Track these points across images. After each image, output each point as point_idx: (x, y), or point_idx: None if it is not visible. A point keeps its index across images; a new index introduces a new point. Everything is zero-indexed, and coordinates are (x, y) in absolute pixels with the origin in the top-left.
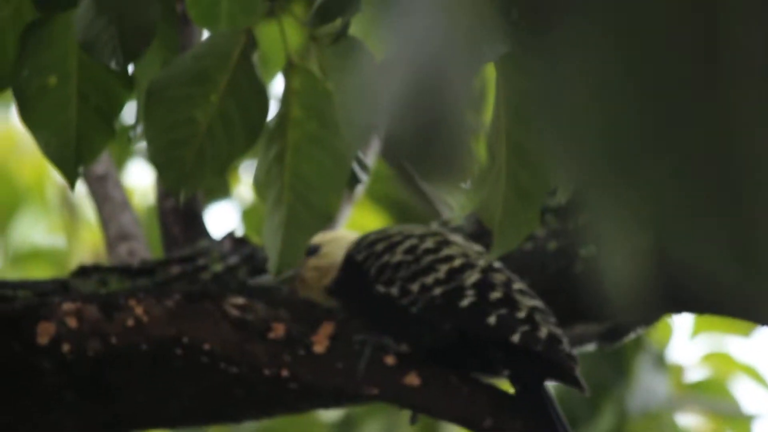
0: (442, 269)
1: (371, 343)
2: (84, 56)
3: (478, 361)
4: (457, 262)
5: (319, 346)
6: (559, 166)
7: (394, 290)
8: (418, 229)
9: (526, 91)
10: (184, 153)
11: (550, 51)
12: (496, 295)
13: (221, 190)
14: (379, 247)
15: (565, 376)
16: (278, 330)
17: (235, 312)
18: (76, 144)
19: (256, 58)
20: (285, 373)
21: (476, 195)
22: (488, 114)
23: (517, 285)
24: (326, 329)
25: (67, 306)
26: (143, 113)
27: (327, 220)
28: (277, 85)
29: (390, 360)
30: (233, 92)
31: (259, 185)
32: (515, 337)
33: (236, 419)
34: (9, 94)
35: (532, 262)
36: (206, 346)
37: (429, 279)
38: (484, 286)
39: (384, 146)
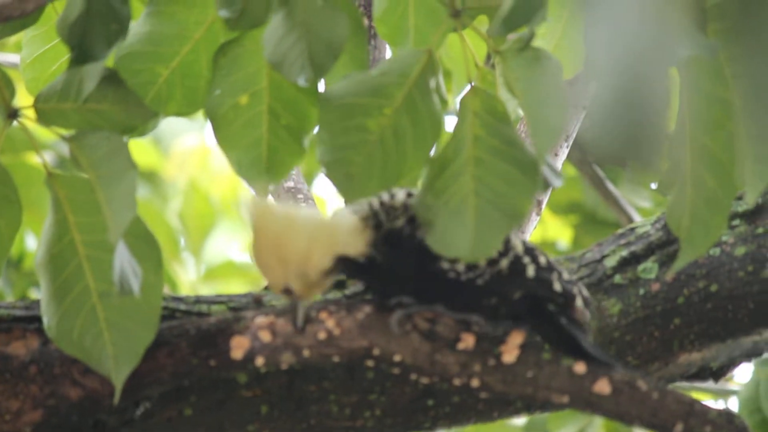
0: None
1: (418, 309)
2: (274, 75)
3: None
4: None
5: (509, 355)
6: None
7: (460, 266)
8: None
9: (714, 94)
10: (352, 156)
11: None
12: (542, 260)
13: None
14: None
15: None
16: (468, 340)
17: (424, 324)
18: (267, 161)
19: (435, 81)
20: (475, 382)
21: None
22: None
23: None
24: (515, 338)
25: (261, 320)
26: (319, 117)
27: (519, 219)
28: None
29: (580, 368)
30: (408, 109)
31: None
32: (578, 302)
33: (428, 428)
34: (203, 112)
35: (720, 268)
36: (397, 358)
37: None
38: (531, 253)
39: (585, 148)
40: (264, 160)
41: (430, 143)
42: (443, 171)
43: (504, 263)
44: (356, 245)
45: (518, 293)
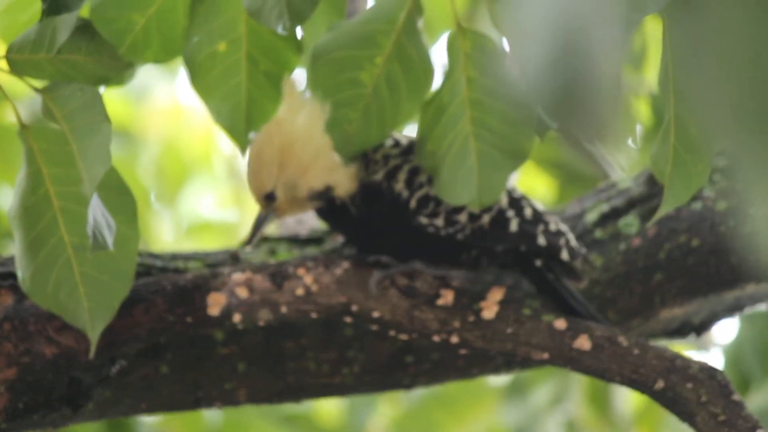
0: None
1: (398, 270)
2: (253, 22)
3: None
4: None
5: (488, 311)
6: (713, 121)
7: (439, 221)
8: None
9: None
10: (350, 113)
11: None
12: (528, 212)
13: None
14: (403, 176)
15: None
16: (447, 296)
17: (403, 280)
18: (247, 109)
19: (421, 23)
20: (455, 339)
21: (645, 154)
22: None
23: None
24: (495, 295)
25: (237, 276)
26: (309, 75)
27: (522, 158)
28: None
29: (560, 324)
30: (399, 56)
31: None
32: (564, 255)
33: (407, 386)
34: (174, 67)
35: (702, 222)
36: (375, 314)
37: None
38: (517, 205)
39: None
40: (243, 107)
41: (425, 88)
42: (440, 117)
43: (486, 219)
44: (346, 185)
45: (500, 248)
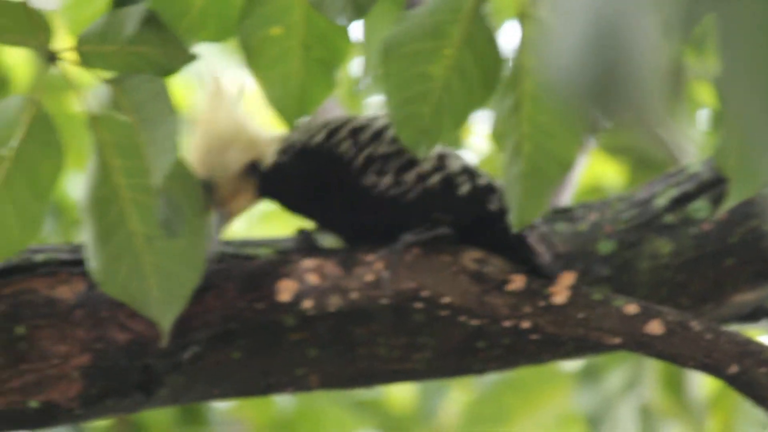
0: (432, 156)
1: (427, 235)
2: (308, 8)
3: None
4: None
5: (559, 296)
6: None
7: (387, 180)
8: (361, 118)
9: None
10: (422, 108)
11: None
12: (482, 181)
13: (453, 142)
14: (344, 134)
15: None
16: (517, 282)
17: (473, 265)
18: (299, 94)
19: (487, 9)
20: (526, 324)
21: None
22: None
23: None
24: (566, 279)
25: (308, 263)
26: (382, 70)
27: (567, 168)
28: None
29: (631, 309)
30: (468, 45)
31: (498, 136)
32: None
33: (479, 371)
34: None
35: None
36: (445, 300)
37: (426, 166)
38: (469, 173)
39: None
40: (296, 92)
41: (496, 74)
42: (501, 112)
43: (435, 178)
44: (268, 155)
45: (450, 212)
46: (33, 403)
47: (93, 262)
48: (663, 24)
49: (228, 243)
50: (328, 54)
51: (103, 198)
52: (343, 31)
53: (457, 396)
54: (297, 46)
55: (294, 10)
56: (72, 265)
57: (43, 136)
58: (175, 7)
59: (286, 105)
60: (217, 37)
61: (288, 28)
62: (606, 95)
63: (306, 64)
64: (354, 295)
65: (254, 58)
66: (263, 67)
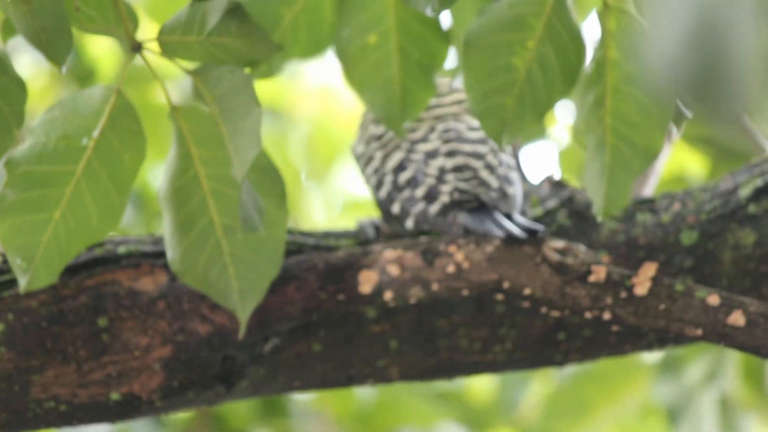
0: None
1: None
2: (401, 13)
3: None
4: (390, 146)
5: (641, 287)
6: None
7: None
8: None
9: None
10: (504, 100)
11: None
12: (406, 175)
13: (537, 132)
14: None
15: None
16: (599, 273)
17: (554, 256)
18: (401, 98)
19: (570, 1)
20: (607, 315)
21: None
22: None
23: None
24: (647, 270)
25: (389, 254)
26: (462, 62)
27: (652, 158)
28: (589, 28)
29: (713, 300)
30: (550, 37)
31: (579, 132)
32: (409, 222)
33: (560, 363)
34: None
35: None
36: (527, 291)
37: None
38: (399, 168)
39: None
40: (398, 97)
41: (578, 67)
42: (583, 107)
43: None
44: None
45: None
46: (114, 395)
47: (172, 252)
48: (763, 15)
49: (309, 234)
50: (425, 56)
51: (183, 188)
52: (437, 32)
53: (538, 387)
54: (395, 51)
55: (387, 16)
56: (154, 257)
57: (125, 126)
58: (264, 18)
59: (390, 110)
60: (310, 51)
61: (384, 34)
62: (709, 89)
63: (405, 68)
64: (435, 287)
65: (352, 68)
66: (363, 74)
